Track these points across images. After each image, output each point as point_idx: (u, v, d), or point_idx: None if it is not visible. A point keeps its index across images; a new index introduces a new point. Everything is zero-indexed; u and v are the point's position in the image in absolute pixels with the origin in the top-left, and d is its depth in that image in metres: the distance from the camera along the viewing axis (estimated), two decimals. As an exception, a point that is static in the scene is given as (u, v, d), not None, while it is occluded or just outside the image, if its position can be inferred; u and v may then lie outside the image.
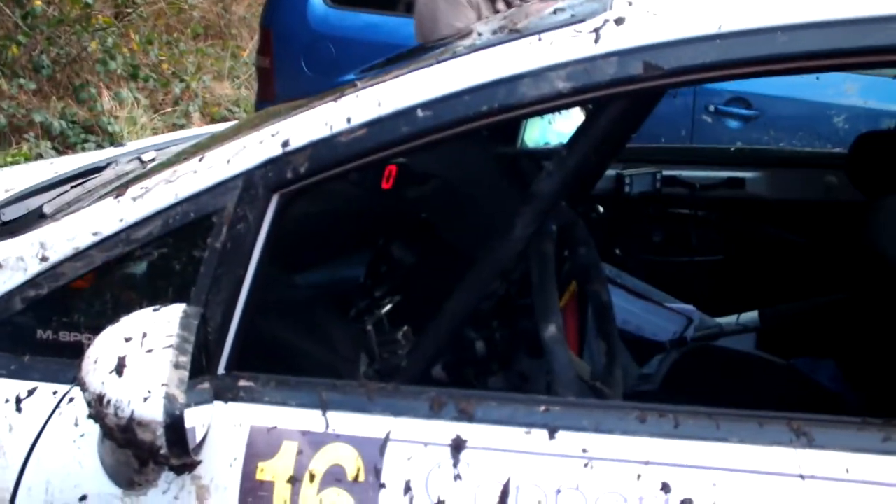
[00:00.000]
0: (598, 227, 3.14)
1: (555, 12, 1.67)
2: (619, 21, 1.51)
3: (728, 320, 3.29)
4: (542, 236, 1.87)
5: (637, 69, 1.47)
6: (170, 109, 8.39)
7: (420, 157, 2.17)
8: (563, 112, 2.60)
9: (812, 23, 1.42)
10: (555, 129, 3.04)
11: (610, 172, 3.21)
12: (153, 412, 1.41)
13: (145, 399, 1.42)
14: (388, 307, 2.20)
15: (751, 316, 3.29)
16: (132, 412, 1.42)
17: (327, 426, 1.52)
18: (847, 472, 1.36)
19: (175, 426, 1.42)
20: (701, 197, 3.41)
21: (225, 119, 8.24)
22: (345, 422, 1.53)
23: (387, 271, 2.27)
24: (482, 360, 2.11)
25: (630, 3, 1.55)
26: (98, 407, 1.43)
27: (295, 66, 5.68)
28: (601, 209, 3.00)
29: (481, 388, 2.20)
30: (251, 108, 7.72)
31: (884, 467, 1.36)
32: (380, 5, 5.72)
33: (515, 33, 1.60)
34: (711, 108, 5.58)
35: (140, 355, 1.44)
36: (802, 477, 1.36)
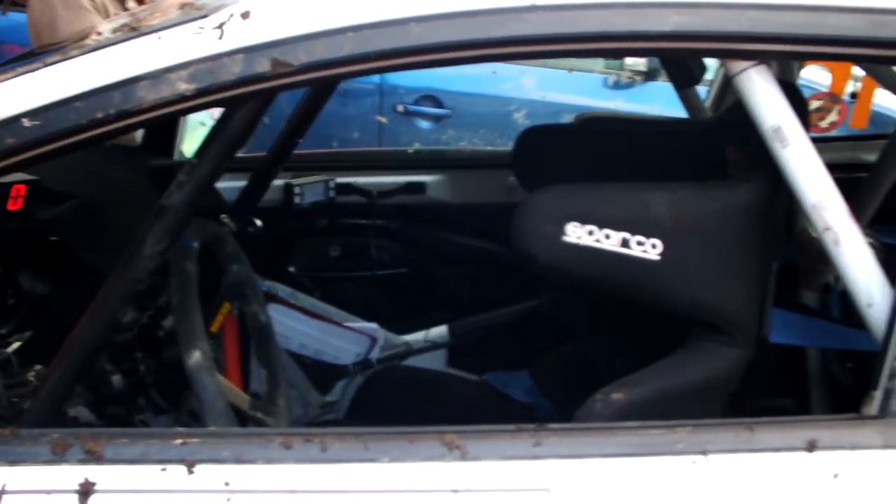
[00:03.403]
0: (267, 243, 3.19)
1: (182, 8, 1.71)
2: (245, 15, 1.56)
3: (416, 337, 3.39)
4: (182, 254, 1.90)
5: (265, 66, 1.53)
6: None
7: (56, 172, 2.15)
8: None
9: (446, 13, 1.53)
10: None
11: (278, 182, 3.26)
12: None
13: None
14: (17, 345, 2.16)
15: (440, 331, 3.41)
16: None
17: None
18: (499, 480, 1.48)
19: None
20: (379, 205, 3.48)
21: None
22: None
23: (14, 304, 2.23)
24: (123, 395, 2.11)
25: (259, -4, 1.61)
26: None
27: None
28: (259, 223, 3.04)
29: (141, 425, 2.20)
30: None
31: (535, 473, 1.49)
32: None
33: (135, 31, 1.63)
34: (401, 108, 5.75)
35: None
36: (456, 491, 1.47)
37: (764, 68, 1.60)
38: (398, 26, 1.53)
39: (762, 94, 1.61)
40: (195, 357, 1.83)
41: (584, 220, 1.59)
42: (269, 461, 1.50)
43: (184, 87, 1.53)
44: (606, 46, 1.64)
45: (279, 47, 1.53)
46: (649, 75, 5.77)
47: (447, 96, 5.73)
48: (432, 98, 5.76)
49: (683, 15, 1.52)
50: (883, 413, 1.53)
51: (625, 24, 1.53)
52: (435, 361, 3.37)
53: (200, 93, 1.54)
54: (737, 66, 1.61)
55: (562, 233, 1.59)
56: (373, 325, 3.26)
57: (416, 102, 5.76)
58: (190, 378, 1.84)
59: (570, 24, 1.53)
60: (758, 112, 1.61)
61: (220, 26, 1.56)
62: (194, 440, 1.53)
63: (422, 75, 5.44)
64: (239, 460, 1.50)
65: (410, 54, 1.54)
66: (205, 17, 1.59)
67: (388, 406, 2.87)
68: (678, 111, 3.33)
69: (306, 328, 3.15)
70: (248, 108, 1.64)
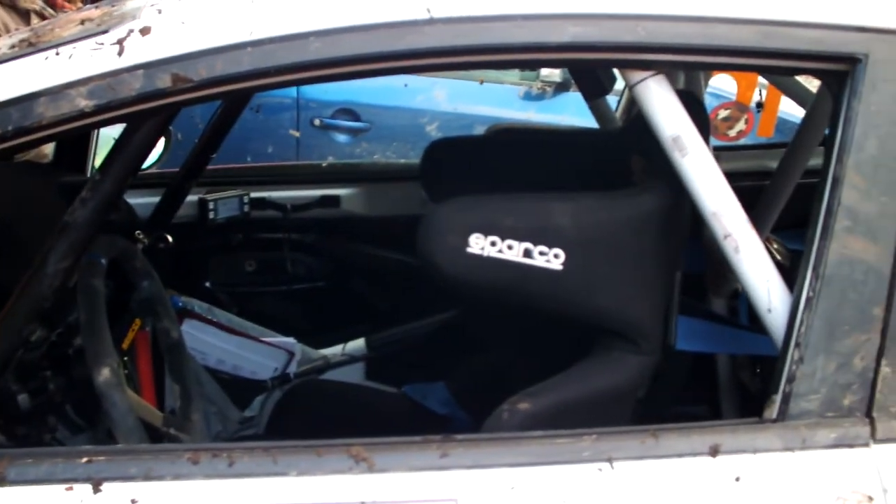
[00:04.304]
0: (182, 258, 3.17)
1: (82, 23, 1.70)
2: (144, 31, 1.56)
3: (334, 351, 3.38)
4: (89, 271, 1.89)
5: (165, 82, 1.52)
6: None
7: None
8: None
9: (346, 27, 1.53)
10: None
11: (192, 198, 3.25)
12: None
13: None
14: None
15: (357, 344, 3.40)
16: None
17: None
18: (407, 491, 1.49)
19: None
20: (294, 219, 3.48)
21: None
22: None
23: None
24: (31, 415, 2.08)
25: (160, 12, 1.60)
26: None
27: None
28: (170, 239, 3.02)
29: (55, 445, 2.17)
30: None
31: (441, 483, 1.50)
32: None
33: (33, 47, 1.61)
34: (318, 121, 5.74)
35: None
36: (364, 503, 1.47)
37: (662, 78, 1.62)
38: (298, 41, 1.53)
39: (661, 103, 1.63)
40: (104, 374, 1.82)
41: (486, 232, 1.60)
42: (177, 477, 1.48)
43: (83, 103, 1.52)
44: (506, 58, 1.65)
45: (179, 63, 1.53)
46: (561, 86, 5.81)
47: (364, 109, 5.74)
48: (349, 111, 5.76)
49: (581, 26, 1.54)
50: (782, 416, 1.55)
51: (523, 36, 1.54)
52: (353, 375, 3.36)
53: (100, 109, 1.53)
54: (635, 76, 1.63)
55: (465, 244, 1.60)
56: (290, 340, 3.26)
57: (333, 116, 5.76)
58: (99, 395, 1.82)
59: (469, 36, 1.54)
60: (657, 121, 1.64)
61: (120, 42, 1.55)
62: (100, 458, 1.51)
63: (339, 88, 5.44)
64: (147, 477, 1.48)
65: (311, 68, 1.54)
66: (104, 32, 1.58)
67: (306, 420, 2.87)
68: (590, 121, 3.36)
69: (223, 344, 3.14)
70: (150, 124, 1.63)
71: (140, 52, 1.54)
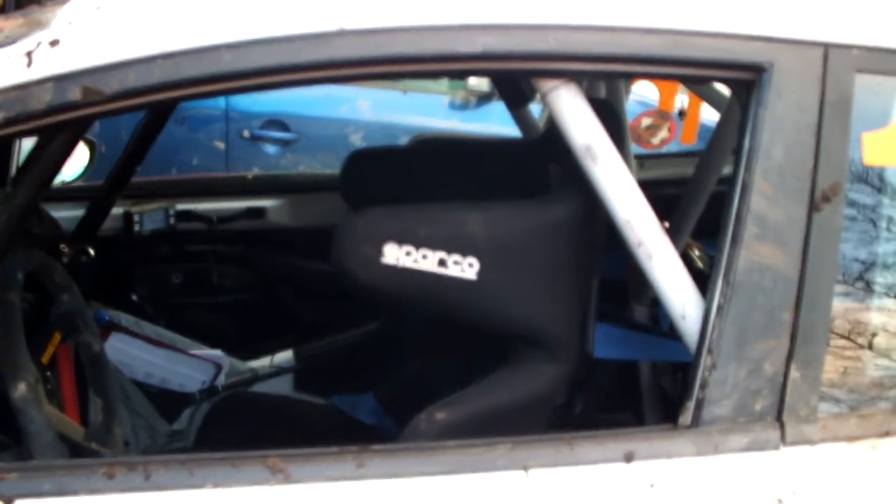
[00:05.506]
0: (108, 271, 3.14)
1: (-8, 35, 1.68)
2: (54, 43, 1.54)
3: (262, 363, 3.36)
4: (4, 284, 1.86)
5: (76, 95, 1.50)
6: None
7: None
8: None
9: (257, 40, 1.53)
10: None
11: (117, 211, 3.22)
12: None
13: None
14: None
15: (286, 356, 3.38)
16: None
17: None
18: (323, 502, 1.49)
19: None
20: (220, 231, 3.47)
21: None
22: None
23: None
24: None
25: (70, 23, 1.58)
26: None
27: None
28: (92, 252, 2.98)
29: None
30: None
31: (359, 494, 1.50)
32: None
33: (-61, 59, 1.59)
34: (247, 133, 5.72)
35: None
36: (278, 515, 1.47)
37: (573, 87, 1.63)
38: (209, 53, 1.52)
39: (572, 112, 1.64)
40: (20, 389, 1.79)
41: (401, 241, 1.60)
42: (92, 492, 1.47)
43: (-10, 115, 1.50)
44: (417, 68, 1.65)
45: (90, 75, 1.51)
46: (485, 96, 5.83)
47: (293, 120, 5.72)
48: (278, 122, 5.74)
49: (491, 36, 1.54)
50: (696, 422, 1.57)
51: (435, 46, 1.55)
52: (282, 386, 3.35)
53: (9, 122, 1.51)
54: (546, 84, 1.64)
55: (380, 254, 1.60)
56: (217, 352, 3.24)
57: (262, 127, 5.73)
58: (15, 411, 1.79)
59: (380, 46, 1.53)
60: (569, 130, 1.64)
61: (28, 54, 1.53)
62: (12, 475, 1.49)
63: (267, 99, 5.43)
64: (61, 493, 1.47)
65: (222, 80, 1.54)
66: (12, 44, 1.56)
67: (235, 433, 2.84)
68: (515, 131, 3.37)
69: (151, 357, 3.11)
70: (62, 136, 1.61)
71: (50, 64, 1.52)
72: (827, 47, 1.61)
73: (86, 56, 1.53)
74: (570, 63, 1.59)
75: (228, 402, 3.11)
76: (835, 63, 1.61)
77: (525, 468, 1.51)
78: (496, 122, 5.27)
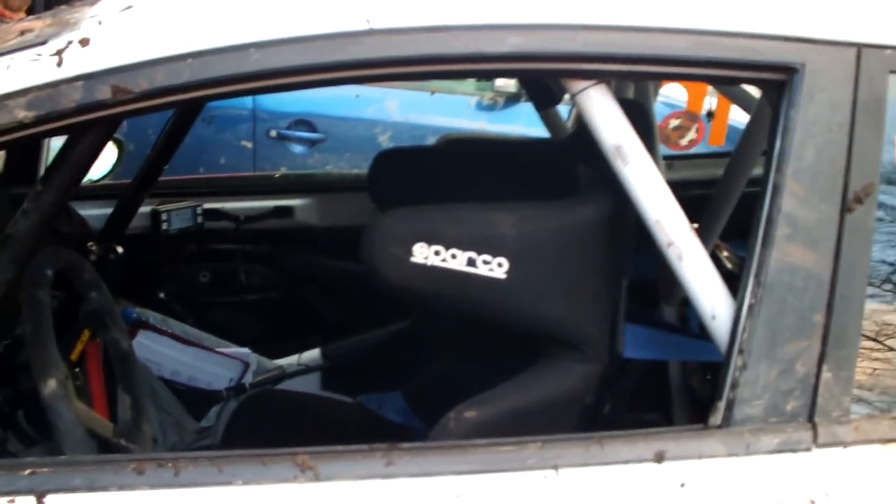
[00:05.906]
0: (136, 269, 3.15)
1: (21, 34, 1.68)
2: (84, 42, 1.54)
3: (289, 361, 3.36)
4: (34, 282, 1.87)
5: (105, 94, 1.50)
6: None
7: None
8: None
9: (285, 39, 1.53)
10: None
11: (144, 209, 3.23)
12: None
13: None
14: None
15: (313, 354, 3.39)
16: None
17: None
18: (352, 500, 1.49)
19: None
20: (247, 230, 3.48)
21: None
22: None
23: None
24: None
25: (100, 23, 1.59)
26: None
27: None
28: (120, 250, 2.99)
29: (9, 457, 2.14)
30: None
31: (388, 491, 1.49)
32: None
33: (-29, 58, 1.59)
34: (274, 133, 5.73)
35: None
36: (308, 512, 1.46)
37: (603, 87, 1.63)
38: (238, 52, 1.52)
39: (602, 113, 1.63)
40: (50, 386, 1.80)
41: (430, 241, 1.60)
42: (122, 487, 1.47)
43: (22, 114, 1.50)
44: (446, 68, 1.65)
45: (119, 74, 1.51)
46: (512, 97, 5.81)
47: (320, 120, 5.72)
48: (306, 122, 5.75)
49: (521, 36, 1.54)
50: (727, 423, 1.56)
51: (463, 47, 1.54)
52: (309, 385, 3.34)
53: (40, 120, 1.51)
54: (576, 85, 1.63)
55: (409, 254, 1.60)
56: (245, 350, 3.24)
57: (289, 127, 5.74)
58: (45, 407, 1.80)
59: (408, 46, 1.53)
60: (599, 131, 1.64)
61: (59, 53, 1.53)
62: (44, 469, 1.49)
63: (295, 99, 5.43)
64: (91, 488, 1.47)
65: (250, 80, 1.54)
66: (43, 43, 1.56)
67: (262, 431, 2.84)
68: (542, 131, 3.36)
69: (178, 354, 3.12)
70: (91, 135, 1.61)
71: (80, 63, 1.53)
72: (860, 48, 1.60)
73: (115, 55, 1.53)
74: (600, 64, 1.58)
75: (256, 399, 3.11)
76: (868, 64, 1.60)
77: (555, 467, 1.51)
78: (523, 123, 5.26)
